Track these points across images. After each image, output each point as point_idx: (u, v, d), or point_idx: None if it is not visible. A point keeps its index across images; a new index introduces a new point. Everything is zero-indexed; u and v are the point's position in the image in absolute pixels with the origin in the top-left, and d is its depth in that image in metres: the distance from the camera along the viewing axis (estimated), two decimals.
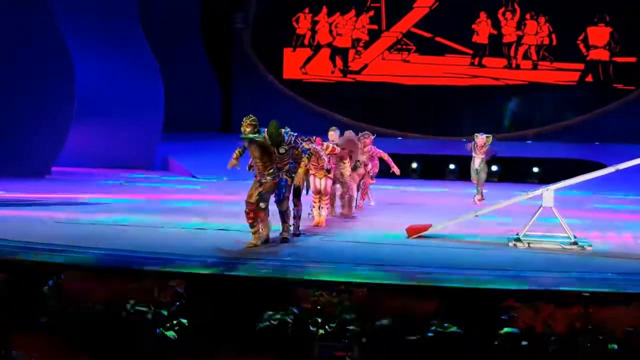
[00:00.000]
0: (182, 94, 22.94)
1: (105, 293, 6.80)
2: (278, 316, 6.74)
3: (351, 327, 6.60)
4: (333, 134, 11.67)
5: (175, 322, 6.76)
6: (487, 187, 15.04)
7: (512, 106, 24.38)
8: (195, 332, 6.87)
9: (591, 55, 23.95)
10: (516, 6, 24.31)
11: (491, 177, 16.33)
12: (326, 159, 10.71)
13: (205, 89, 25.14)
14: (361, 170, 12.47)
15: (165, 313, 6.76)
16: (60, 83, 17.45)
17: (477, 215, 10.43)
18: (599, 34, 23.83)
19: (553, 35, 24.18)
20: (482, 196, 14.61)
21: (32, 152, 17.09)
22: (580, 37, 23.94)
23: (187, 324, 6.83)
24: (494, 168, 16.52)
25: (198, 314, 6.91)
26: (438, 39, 24.87)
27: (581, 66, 24.14)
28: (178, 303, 6.90)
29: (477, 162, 14.50)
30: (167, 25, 23.30)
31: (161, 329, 6.71)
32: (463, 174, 18.64)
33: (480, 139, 14.43)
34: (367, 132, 13.06)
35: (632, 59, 23.68)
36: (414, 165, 20.39)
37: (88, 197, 13.61)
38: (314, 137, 10.80)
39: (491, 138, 14.59)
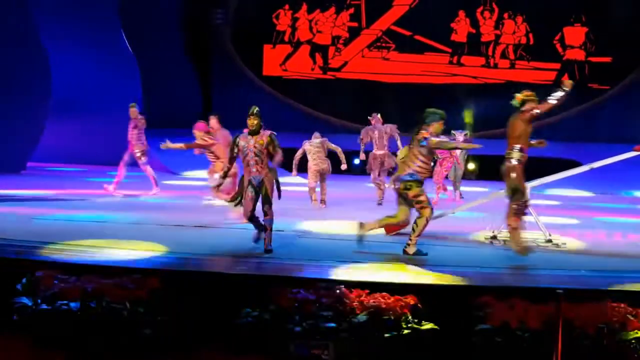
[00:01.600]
0: (162, 90, 22.85)
1: (80, 290, 6.78)
2: (256, 313, 6.74)
3: (328, 325, 6.62)
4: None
5: (152, 319, 6.74)
6: (464, 185, 15.14)
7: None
8: (173, 330, 6.86)
9: (567, 55, 24.19)
10: (494, 5, 24.48)
11: (468, 175, 16.48)
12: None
13: (184, 85, 25.05)
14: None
15: (142, 310, 6.74)
16: (36, 79, 17.36)
17: (453, 213, 10.49)
18: (575, 34, 24.06)
19: (530, 35, 24.40)
20: (460, 194, 14.77)
21: (7, 148, 16.97)
22: (557, 37, 24.17)
23: (164, 322, 6.82)
24: (471, 166, 16.67)
25: (175, 311, 6.90)
26: (417, 37, 24.98)
27: (557, 66, 24.36)
28: (155, 300, 6.88)
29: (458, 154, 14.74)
30: (146, 21, 23.19)
31: (138, 326, 6.69)
32: None
33: (459, 137, 14.73)
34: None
35: (607, 59, 23.92)
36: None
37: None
38: None
39: (468, 134, 14.95)
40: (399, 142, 13.34)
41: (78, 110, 19.68)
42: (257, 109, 8.73)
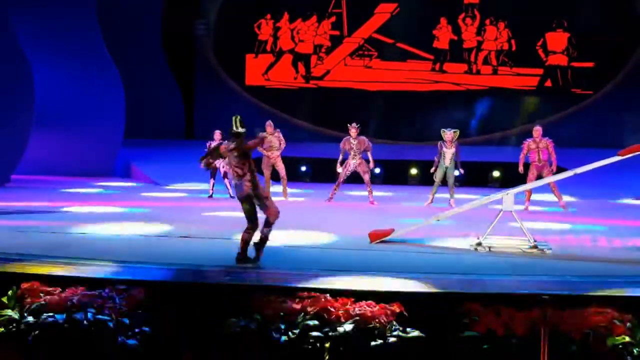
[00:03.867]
0: (145, 100, 22.86)
1: (66, 302, 6.74)
2: (242, 323, 6.71)
3: (314, 334, 6.60)
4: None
5: (137, 330, 6.71)
6: (443, 192, 15.13)
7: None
8: (158, 341, 6.83)
9: (550, 61, 24.35)
10: (476, 12, 24.61)
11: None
12: None
13: (167, 95, 25.06)
14: None
15: (127, 322, 6.71)
16: (19, 91, 17.28)
17: (438, 220, 10.50)
18: (557, 40, 24.23)
19: (512, 41, 24.56)
20: (432, 200, 14.79)
21: None
22: (539, 43, 24.32)
23: (149, 333, 6.79)
24: (456, 173, 16.74)
25: (161, 322, 6.87)
26: (399, 44, 25.08)
27: (540, 71, 24.52)
28: (140, 311, 6.85)
29: (448, 158, 14.74)
30: (128, 32, 23.20)
31: (123, 338, 6.65)
32: (425, 179, 18.78)
33: (448, 134, 14.79)
34: None
35: (590, 64, 24.10)
36: (377, 170, 20.49)
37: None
38: None
39: (458, 132, 14.92)
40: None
41: (62, 122, 19.61)
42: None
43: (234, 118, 8.34)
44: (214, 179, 15.53)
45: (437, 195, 14.90)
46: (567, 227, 12.05)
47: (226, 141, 8.61)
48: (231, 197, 15.40)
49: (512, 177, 16.45)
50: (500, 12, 24.59)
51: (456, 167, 14.92)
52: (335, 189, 15.00)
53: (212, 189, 15.56)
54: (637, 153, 9.48)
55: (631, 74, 23.94)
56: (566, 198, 15.07)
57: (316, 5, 25.54)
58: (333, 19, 25.48)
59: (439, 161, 14.89)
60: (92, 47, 20.12)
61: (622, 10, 23.87)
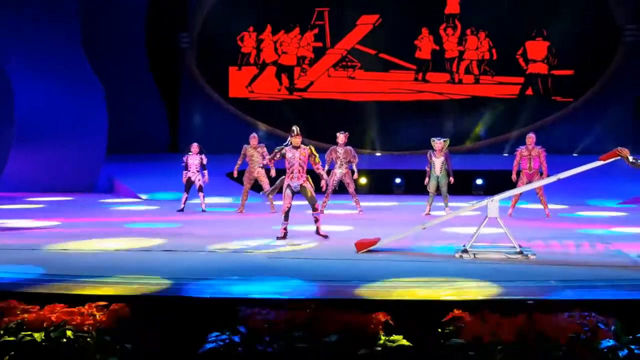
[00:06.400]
0: (128, 114, 22.78)
1: (44, 320, 6.63)
2: (225, 337, 6.64)
3: (300, 345, 6.54)
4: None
5: (118, 347, 6.61)
6: (434, 200, 15.13)
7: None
8: (140, 357, 6.74)
9: (530, 69, 24.50)
10: (457, 22, 24.74)
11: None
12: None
13: (151, 109, 25.00)
14: None
15: (108, 339, 6.61)
16: None
17: (424, 228, 10.48)
18: (537, 48, 24.39)
19: (493, 50, 24.68)
20: (429, 210, 14.79)
21: None
22: (520, 52, 24.46)
23: (131, 349, 6.69)
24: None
25: (142, 338, 6.78)
26: (382, 55, 25.16)
27: (521, 80, 24.66)
28: (122, 328, 6.76)
29: (438, 167, 14.79)
30: (111, 46, 23.17)
31: (104, 355, 6.56)
32: (410, 188, 18.80)
33: (438, 143, 14.83)
34: None
35: (570, 72, 24.28)
36: (362, 180, 20.50)
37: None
38: None
39: (448, 142, 14.97)
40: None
41: (43, 138, 19.48)
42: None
43: (296, 128, 11.33)
44: (188, 193, 15.38)
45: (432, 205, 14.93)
46: (551, 232, 12.05)
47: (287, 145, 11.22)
48: (203, 211, 15.27)
49: (496, 185, 16.47)
50: (481, 22, 24.73)
51: (448, 176, 14.93)
52: (326, 200, 14.86)
53: (184, 203, 15.39)
54: (618, 157, 9.50)
55: (610, 81, 24.12)
56: (551, 204, 15.09)
57: (299, 18, 25.60)
58: (316, 30, 25.55)
59: (430, 171, 14.92)
60: (73, 62, 20.03)
61: (600, 18, 24.05)
